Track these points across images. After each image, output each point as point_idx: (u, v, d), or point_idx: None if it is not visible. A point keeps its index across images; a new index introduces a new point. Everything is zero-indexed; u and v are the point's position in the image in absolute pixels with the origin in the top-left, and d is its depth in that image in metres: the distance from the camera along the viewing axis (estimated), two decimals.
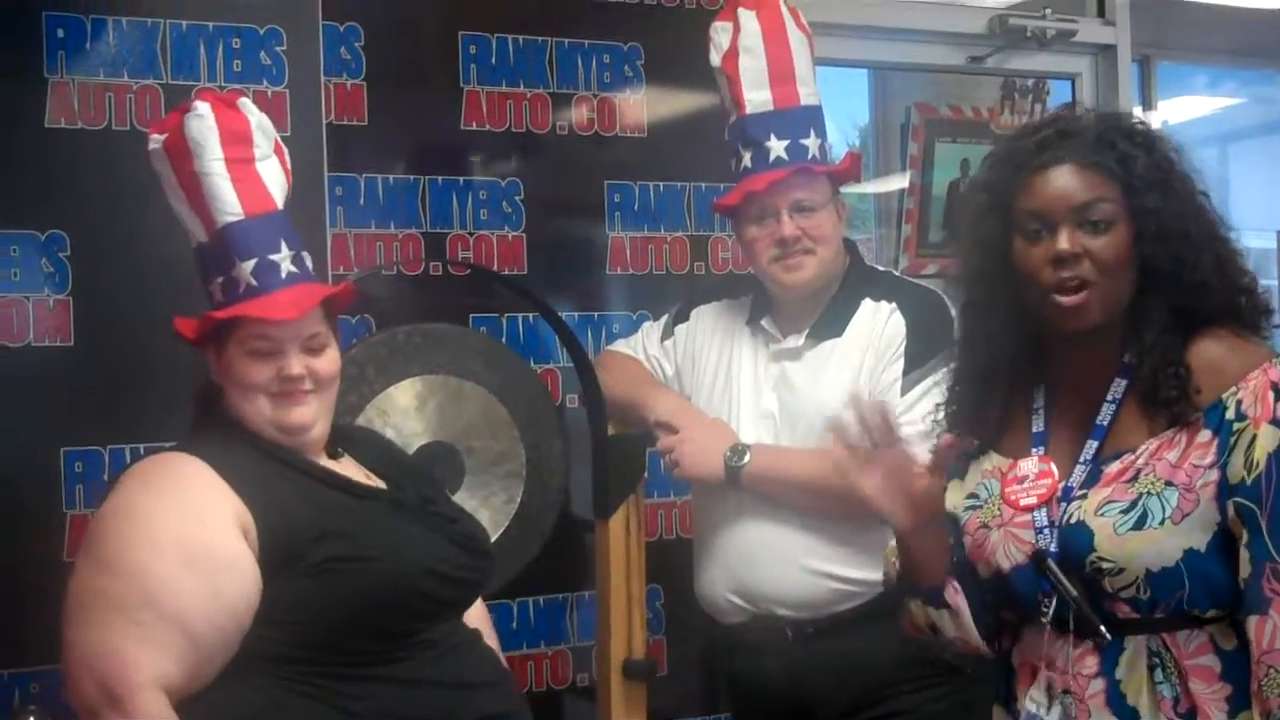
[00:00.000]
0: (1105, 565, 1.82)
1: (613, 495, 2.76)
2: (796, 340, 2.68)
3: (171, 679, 1.91)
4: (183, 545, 1.97)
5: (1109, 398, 1.91)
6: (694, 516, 2.95)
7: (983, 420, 2.04)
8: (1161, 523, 1.80)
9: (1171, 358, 1.85)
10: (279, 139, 2.27)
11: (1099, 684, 1.86)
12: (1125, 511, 1.82)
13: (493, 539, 2.66)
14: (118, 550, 1.97)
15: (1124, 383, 1.90)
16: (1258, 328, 1.92)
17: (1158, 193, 1.87)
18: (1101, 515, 1.84)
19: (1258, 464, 1.77)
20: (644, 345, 2.92)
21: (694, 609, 2.84)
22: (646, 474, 2.86)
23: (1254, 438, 1.78)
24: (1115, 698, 1.85)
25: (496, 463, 2.73)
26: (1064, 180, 1.88)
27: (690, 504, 3.08)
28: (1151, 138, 1.94)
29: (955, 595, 2.00)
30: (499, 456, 2.74)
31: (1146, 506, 1.81)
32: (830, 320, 2.67)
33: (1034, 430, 1.98)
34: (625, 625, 2.78)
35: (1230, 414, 1.80)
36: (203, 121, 2.13)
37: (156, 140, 2.18)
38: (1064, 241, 1.85)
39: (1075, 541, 1.85)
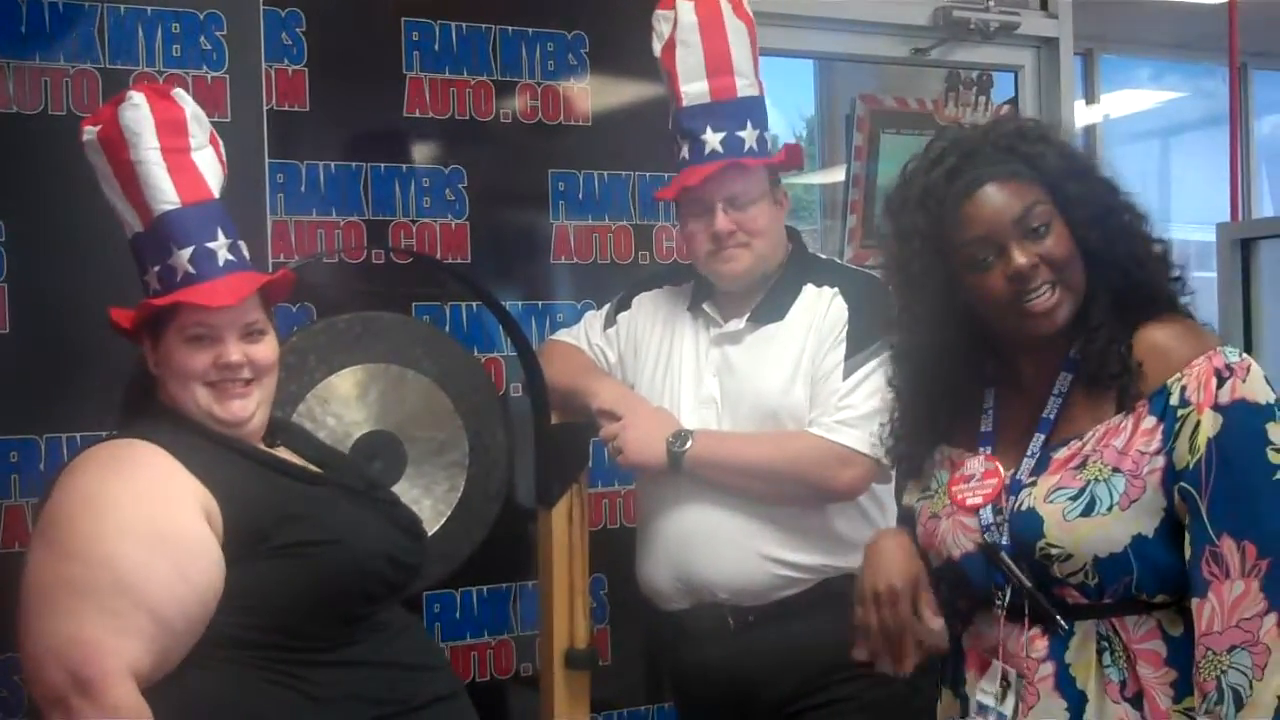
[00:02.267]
0: (1054, 551, 1.85)
1: (556, 484, 2.75)
2: (738, 324, 2.69)
3: (142, 666, 1.91)
4: (152, 531, 1.96)
5: (1055, 392, 1.93)
6: (636, 503, 2.94)
7: (931, 431, 2.07)
8: (1109, 509, 1.82)
9: (1116, 340, 1.87)
10: (214, 129, 2.25)
11: (1048, 667, 1.88)
12: (1074, 498, 1.84)
13: (435, 528, 2.66)
14: (86, 538, 1.95)
15: (1069, 377, 1.93)
16: (1191, 315, 1.94)
17: (1074, 180, 1.89)
18: (1050, 502, 1.86)
19: (1199, 448, 1.79)
20: (587, 334, 2.91)
21: (638, 598, 2.84)
22: (590, 463, 2.85)
23: (1198, 423, 1.80)
24: (1064, 681, 1.87)
25: (439, 452, 2.72)
26: (992, 200, 1.88)
27: (634, 493, 3.07)
28: (1046, 131, 1.96)
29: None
30: (441, 445, 2.72)
31: (1094, 493, 1.83)
32: (772, 304, 2.67)
33: (982, 429, 2.00)
34: (568, 615, 2.77)
35: (1174, 400, 1.82)
36: (138, 111, 2.13)
37: (90, 131, 2.17)
38: (1018, 257, 1.85)
39: (1025, 528, 1.87)
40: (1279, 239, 4.23)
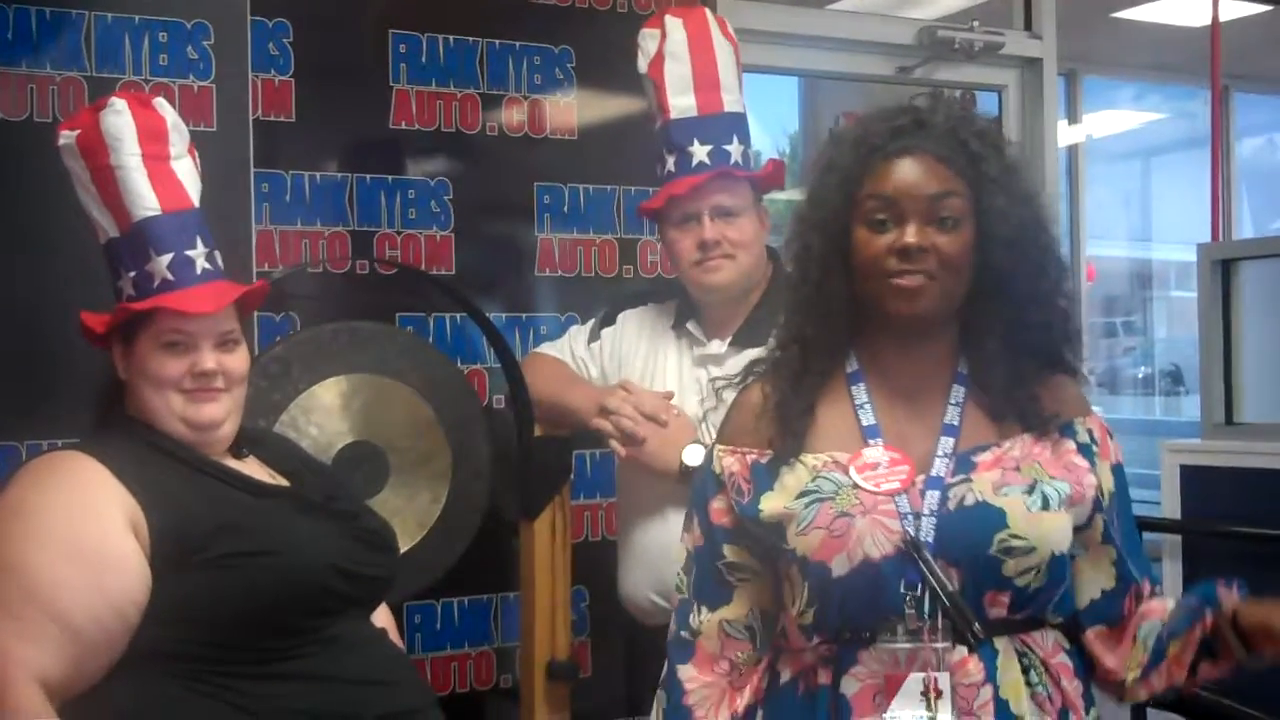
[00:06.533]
0: (1018, 543, 1.76)
1: (538, 496, 2.76)
2: (720, 346, 2.69)
3: (50, 674, 1.90)
4: (68, 541, 1.96)
5: (952, 402, 1.89)
6: (617, 516, 2.95)
7: (794, 418, 1.91)
8: (1060, 506, 1.80)
9: (1024, 380, 1.87)
10: (192, 141, 2.26)
11: (988, 691, 1.77)
12: (1028, 493, 1.79)
13: (417, 539, 2.67)
14: (4, 545, 1.97)
15: (962, 389, 1.89)
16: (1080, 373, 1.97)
17: (1005, 196, 1.84)
18: (1004, 495, 1.79)
19: (1105, 497, 1.88)
20: (571, 348, 2.92)
21: (619, 611, 2.84)
22: (572, 475, 2.86)
23: (1100, 470, 1.88)
24: (999, 704, 1.78)
25: (422, 463, 2.72)
26: (915, 171, 1.83)
27: (615, 506, 3.08)
28: (1001, 141, 1.92)
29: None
30: (424, 456, 2.72)
31: (1044, 491, 1.80)
32: (754, 327, 2.66)
33: (865, 424, 1.89)
34: (549, 627, 2.78)
35: (1084, 438, 1.88)
36: (120, 117, 2.14)
37: (68, 136, 2.17)
38: (911, 235, 1.80)
39: (981, 522, 1.77)
40: (1259, 260, 4.25)
